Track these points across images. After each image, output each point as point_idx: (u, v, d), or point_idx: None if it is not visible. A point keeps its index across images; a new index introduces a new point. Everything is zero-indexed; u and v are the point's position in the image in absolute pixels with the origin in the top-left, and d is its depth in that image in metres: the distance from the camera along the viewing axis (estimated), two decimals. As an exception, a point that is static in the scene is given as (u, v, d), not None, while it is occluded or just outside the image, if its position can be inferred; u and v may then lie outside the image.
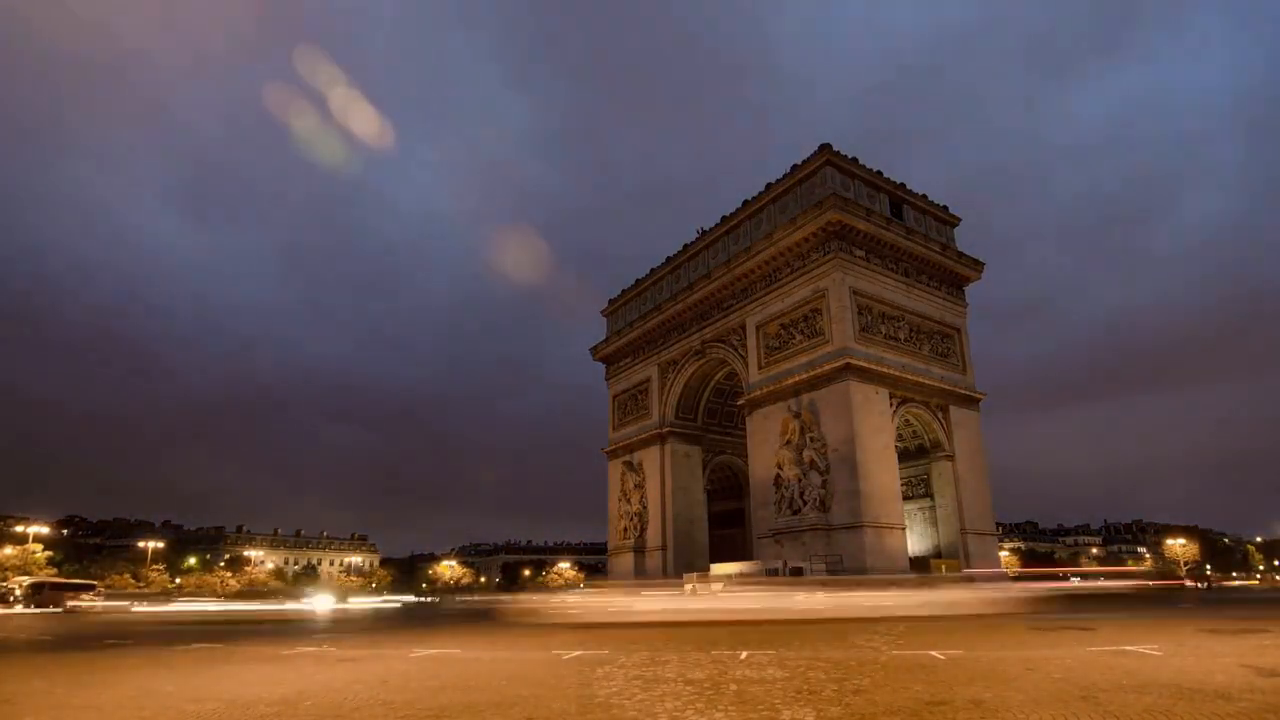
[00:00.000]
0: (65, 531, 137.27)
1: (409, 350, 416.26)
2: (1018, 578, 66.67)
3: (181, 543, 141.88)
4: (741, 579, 51.45)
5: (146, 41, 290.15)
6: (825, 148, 60.00)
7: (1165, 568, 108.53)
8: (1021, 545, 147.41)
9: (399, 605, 79.85)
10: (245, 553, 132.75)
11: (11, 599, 58.16)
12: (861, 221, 58.11)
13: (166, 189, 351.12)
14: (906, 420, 59.17)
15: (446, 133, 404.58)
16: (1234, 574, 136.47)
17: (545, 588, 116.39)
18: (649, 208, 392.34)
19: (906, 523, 55.84)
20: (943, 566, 56.33)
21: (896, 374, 57.21)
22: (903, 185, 64.16)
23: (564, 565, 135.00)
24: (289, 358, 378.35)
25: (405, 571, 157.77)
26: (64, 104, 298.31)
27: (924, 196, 65.55)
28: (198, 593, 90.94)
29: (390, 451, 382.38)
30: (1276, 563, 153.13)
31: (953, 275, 65.34)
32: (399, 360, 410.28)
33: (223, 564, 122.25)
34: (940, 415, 60.39)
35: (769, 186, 64.76)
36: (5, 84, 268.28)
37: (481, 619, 36.14)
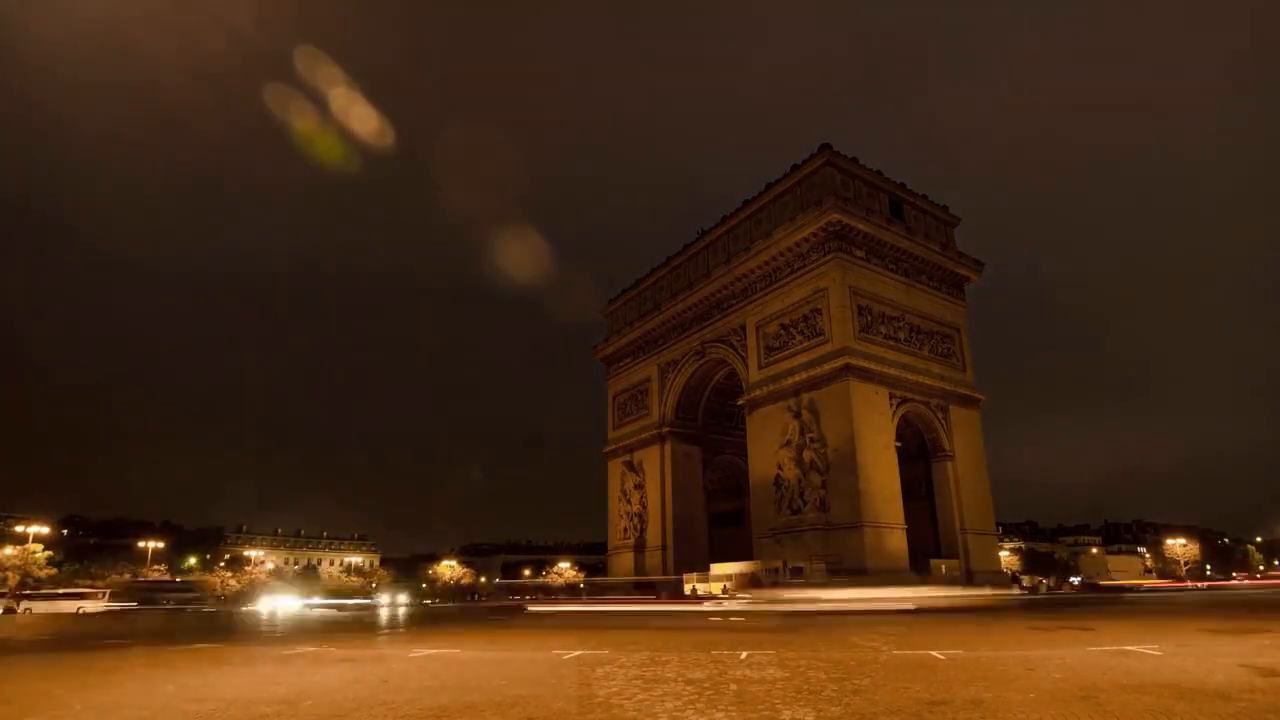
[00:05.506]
0: (65, 531, 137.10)
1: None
2: None
3: (181, 543, 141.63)
4: (740, 578, 51.47)
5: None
6: (825, 148, 59.98)
7: (1165, 568, 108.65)
8: (1021, 545, 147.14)
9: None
10: (245, 552, 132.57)
11: None
12: (861, 221, 58.10)
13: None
14: (907, 420, 59.19)
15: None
16: (1234, 574, 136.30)
17: (547, 587, 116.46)
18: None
19: (906, 523, 55.90)
20: (942, 566, 56.33)
21: (896, 374, 57.19)
22: (903, 185, 64.15)
23: (564, 565, 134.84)
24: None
25: (405, 571, 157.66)
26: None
27: (924, 196, 65.51)
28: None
29: (390, 451, 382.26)
30: (1276, 563, 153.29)
31: (953, 275, 65.34)
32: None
33: (223, 564, 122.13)
34: (940, 415, 60.37)
35: (769, 186, 64.73)
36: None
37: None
